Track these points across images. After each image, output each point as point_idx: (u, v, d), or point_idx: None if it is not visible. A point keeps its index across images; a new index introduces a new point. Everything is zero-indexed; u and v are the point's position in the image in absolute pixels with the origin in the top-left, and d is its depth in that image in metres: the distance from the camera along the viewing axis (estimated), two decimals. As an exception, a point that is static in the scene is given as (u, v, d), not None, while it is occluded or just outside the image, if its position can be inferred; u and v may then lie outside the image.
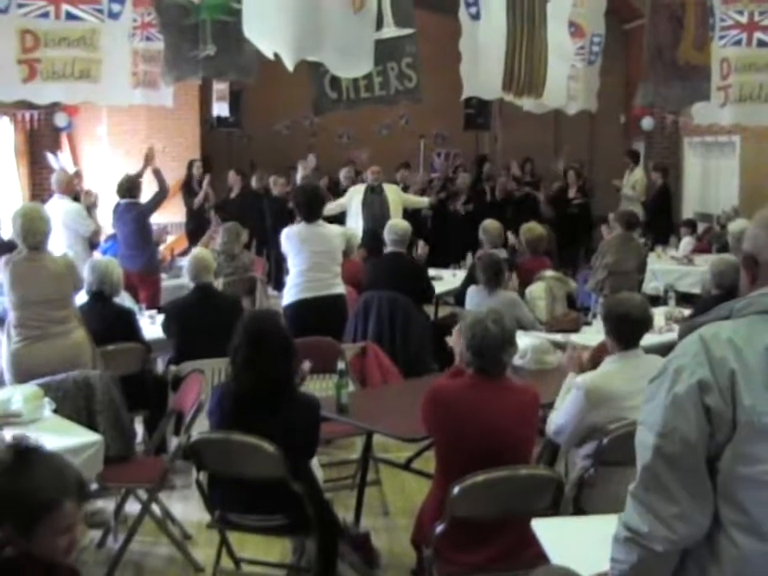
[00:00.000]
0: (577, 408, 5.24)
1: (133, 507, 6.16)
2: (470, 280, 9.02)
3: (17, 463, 3.05)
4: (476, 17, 10.38)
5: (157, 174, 11.03)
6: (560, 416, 5.36)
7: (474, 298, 8.30)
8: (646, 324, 5.44)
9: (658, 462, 2.54)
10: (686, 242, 13.53)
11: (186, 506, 6.71)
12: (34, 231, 6.84)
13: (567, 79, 11.45)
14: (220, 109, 14.00)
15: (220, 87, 13.58)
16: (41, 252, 6.90)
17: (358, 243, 10.58)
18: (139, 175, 10.95)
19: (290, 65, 7.66)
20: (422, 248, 10.59)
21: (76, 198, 11.44)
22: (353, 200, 12.55)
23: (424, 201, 13.89)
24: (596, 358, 5.94)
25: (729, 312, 2.64)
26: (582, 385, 5.24)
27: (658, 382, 2.61)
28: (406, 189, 16.48)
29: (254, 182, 16.01)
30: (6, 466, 3.04)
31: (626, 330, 5.36)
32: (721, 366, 2.49)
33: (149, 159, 11.05)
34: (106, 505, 6.47)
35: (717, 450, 2.51)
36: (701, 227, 14.96)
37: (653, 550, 2.56)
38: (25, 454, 3.08)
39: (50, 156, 14.57)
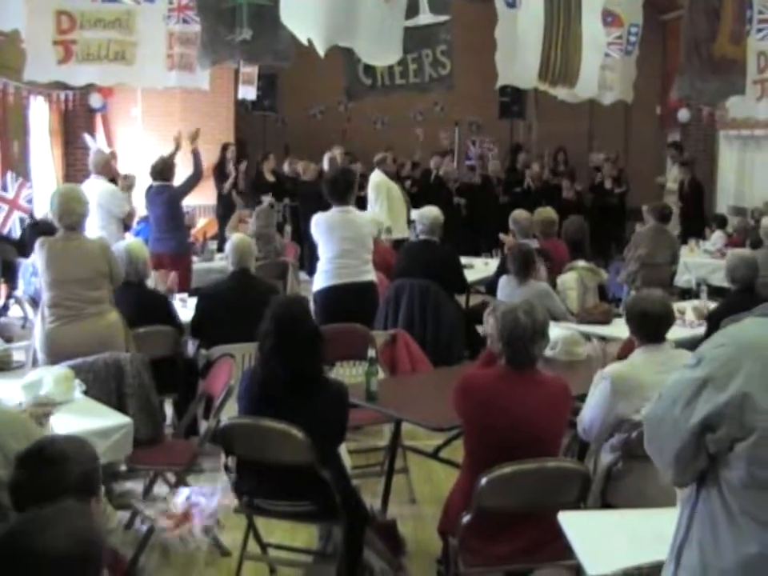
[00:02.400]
0: (604, 398, 5.22)
1: (161, 490, 6.18)
2: (502, 269, 8.99)
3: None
4: (512, 5, 10.37)
5: (195, 155, 11.03)
6: (588, 411, 5.35)
7: (505, 288, 8.28)
8: (666, 319, 5.40)
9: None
10: (717, 236, 13.46)
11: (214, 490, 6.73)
12: (70, 211, 6.86)
13: (600, 69, 11.41)
14: (246, 92, 14.04)
15: (247, 71, 13.60)
16: (77, 232, 6.92)
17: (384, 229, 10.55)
18: (172, 157, 10.97)
19: (321, 50, 7.67)
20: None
21: (112, 180, 11.47)
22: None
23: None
24: (626, 350, 5.93)
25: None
26: (608, 375, 5.23)
27: (687, 369, 2.61)
28: (440, 177, 16.51)
29: (285, 167, 16.06)
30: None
31: (647, 326, 5.34)
32: (745, 364, 2.46)
33: (193, 139, 11.05)
34: (135, 487, 6.50)
35: (719, 448, 2.50)
36: (735, 221, 14.86)
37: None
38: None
39: (86, 137, 14.64)
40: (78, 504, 2.94)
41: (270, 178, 15.70)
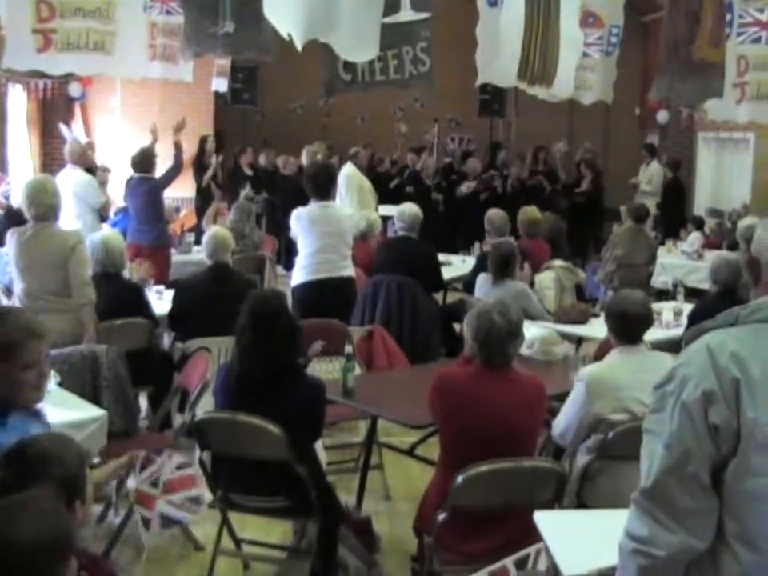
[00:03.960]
0: (579, 400, 5.25)
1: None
2: (479, 268, 9.00)
3: None
4: (494, 4, 10.39)
5: (177, 147, 10.99)
6: (563, 415, 5.37)
7: (483, 286, 8.28)
8: (645, 321, 5.44)
9: (662, 471, 2.53)
10: (694, 238, 13.50)
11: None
12: (37, 203, 6.84)
13: (581, 70, 11.49)
14: (219, 84, 14.00)
15: (221, 63, 13.56)
16: (47, 223, 6.89)
17: (379, 228, 10.55)
18: (152, 148, 10.92)
19: (299, 44, 7.67)
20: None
21: (89, 170, 11.41)
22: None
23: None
24: (603, 351, 5.95)
25: (735, 318, 2.60)
26: (583, 376, 5.27)
27: (664, 390, 2.59)
28: (417, 173, 16.51)
29: (261, 160, 16.02)
30: None
31: (625, 327, 5.38)
32: (725, 376, 2.47)
33: (177, 130, 11.02)
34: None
35: (723, 462, 2.49)
36: (712, 223, 14.93)
37: (654, 556, 2.53)
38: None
39: (62, 127, 14.57)
40: (46, 492, 2.93)
41: (248, 171, 15.68)
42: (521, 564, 3.85)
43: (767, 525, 2.48)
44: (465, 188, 16.56)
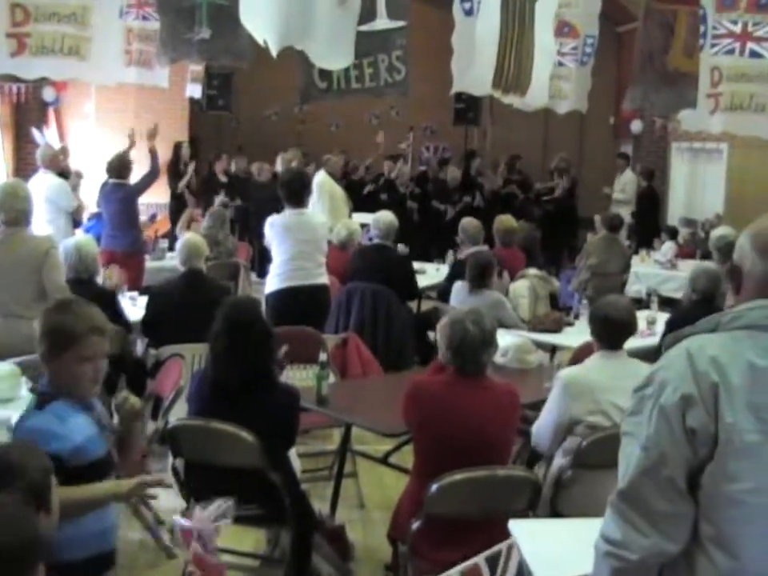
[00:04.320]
0: (557, 401, 5.26)
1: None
2: (453, 276, 9.00)
3: (59, 304, 4.02)
4: (469, 12, 10.39)
5: (153, 153, 10.94)
6: (542, 417, 5.37)
7: (459, 294, 8.27)
8: (628, 327, 5.47)
9: (639, 473, 2.55)
10: (668, 247, 13.55)
11: (161, 492, 6.66)
12: (7, 208, 6.81)
13: (556, 79, 11.54)
14: (192, 90, 13.99)
15: (195, 69, 13.56)
16: (18, 228, 6.85)
17: (359, 238, 10.53)
18: (127, 154, 10.88)
19: (274, 51, 7.68)
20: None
21: (62, 175, 11.36)
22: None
23: None
24: (577, 359, 5.97)
25: (715, 325, 2.62)
26: (561, 377, 5.28)
27: (642, 394, 2.61)
28: (392, 181, 16.53)
29: (232, 167, 16.00)
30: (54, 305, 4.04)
31: (608, 332, 5.40)
32: (704, 381, 2.49)
33: (151, 136, 10.98)
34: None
35: (700, 466, 2.51)
36: (685, 232, 14.99)
37: (626, 559, 2.55)
38: (66, 302, 4.07)
39: (35, 131, 14.49)
40: (11, 497, 2.90)
41: (223, 177, 15.65)
42: (492, 561, 3.85)
43: (744, 530, 2.49)
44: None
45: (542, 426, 5.38)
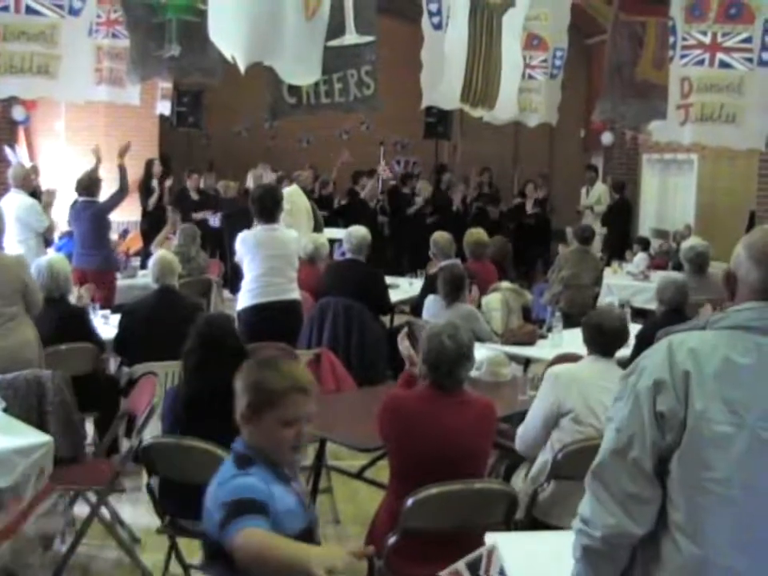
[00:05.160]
0: (546, 393, 5.31)
1: (81, 510, 6.08)
2: (427, 290, 9.00)
3: (263, 361, 3.67)
4: (438, 27, 10.38)
5: (122, 171, 10.90)
6: (528, 416, 5.41)
7: (432, 308, 8.28)
8: (620, 337, 5.55)
9: (609, 453, 2.69)
10: (640, 258, 13.60)
11: (136, 510, 6.65)
12: None
13: (526, 92, 11.57)
14: (163, 107, 14.00)
15: (165, 86, 13.56)
16: None
17: (327, 252, 10.52)
18: (96, 171, 10.85)
19: (242, 67, 7.67)
20: None
21: (33, 194, 11.31)
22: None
23: None
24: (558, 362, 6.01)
25: (705, 323, 2.76)
26: (551, 371, 5.40)
27: (627, 381, 2.74)
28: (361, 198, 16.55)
29: (201, 184, 15.97)
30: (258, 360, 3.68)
31: (599, 338, 5.48)
32: (678, 368, 2.61)
33: (121, 154, 10.95)
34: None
35: (668, 451, 2.62)
36: (656, 244, 15.07)
37: (591, 536, 2.68)
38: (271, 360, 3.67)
39: (7, 149, 14.44)
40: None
41: (194, 195, 15.62)
42: (473, 566, 3.84)
43: (709, 518, 2.58)
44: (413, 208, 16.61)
45: (528, 423, 5.41)
